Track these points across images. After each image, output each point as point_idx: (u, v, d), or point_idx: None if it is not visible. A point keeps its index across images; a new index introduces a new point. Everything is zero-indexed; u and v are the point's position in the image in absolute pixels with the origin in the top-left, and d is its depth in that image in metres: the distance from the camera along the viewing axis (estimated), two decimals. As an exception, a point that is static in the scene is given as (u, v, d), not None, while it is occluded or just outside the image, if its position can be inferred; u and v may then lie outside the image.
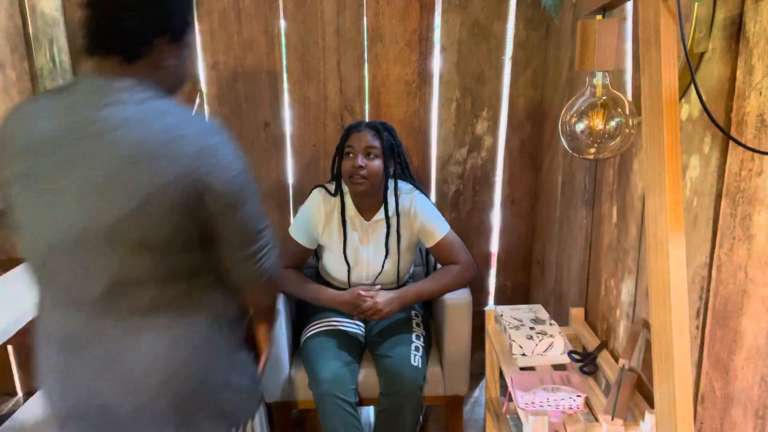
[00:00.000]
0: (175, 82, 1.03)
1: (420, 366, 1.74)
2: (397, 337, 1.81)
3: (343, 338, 1.82)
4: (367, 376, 1.78)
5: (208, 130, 0.95)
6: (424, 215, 1.87)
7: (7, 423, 1.59)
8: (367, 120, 1.94)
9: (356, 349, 1.84)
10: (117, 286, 0.93)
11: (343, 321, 1.89)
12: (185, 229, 0.93)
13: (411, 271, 2.05)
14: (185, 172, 0.89)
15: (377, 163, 1.78)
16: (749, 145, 0.95)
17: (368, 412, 2.21)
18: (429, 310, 2.09)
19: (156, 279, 0.95)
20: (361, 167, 1.75)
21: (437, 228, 1.87)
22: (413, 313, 1.93)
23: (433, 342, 1.98)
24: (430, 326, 2.00)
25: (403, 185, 1.90)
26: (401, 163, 1.90)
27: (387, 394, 1.70)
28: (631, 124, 1.14)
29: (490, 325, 1.76)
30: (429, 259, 2.15)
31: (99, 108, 0.89)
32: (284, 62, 2.14)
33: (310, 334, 1.84)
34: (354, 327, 1.91)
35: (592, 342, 1.61)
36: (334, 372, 1.68)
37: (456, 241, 1.89)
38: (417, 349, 1.78)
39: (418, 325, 1.88)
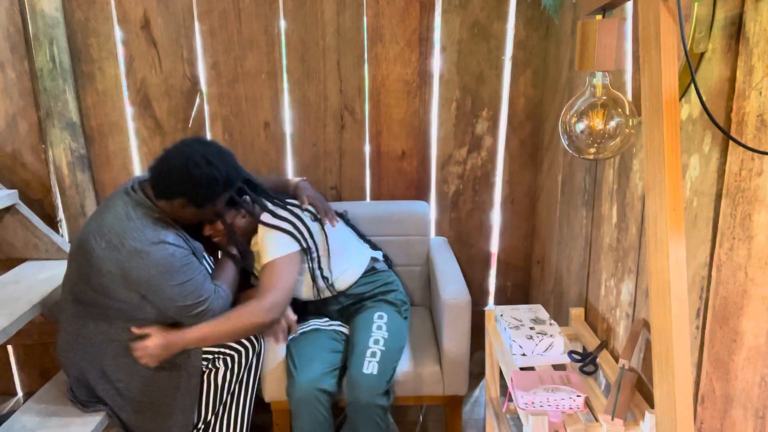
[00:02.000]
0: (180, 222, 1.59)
1: (375, 373, 1.66)
2: (355, 344, 1.76)
3: (322, 341, 1.80)
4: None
5: (145, 243, 1.48)
6: (262, 236, 1.71)
7: (7, 423, 1.59)
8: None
9: (334, 351, 1.81)
10: None
11: (326, 321, 1.89)
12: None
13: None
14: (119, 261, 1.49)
15: (219, 225, 1.68)
16: (749, 145, 0.95)
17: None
18: (429, 308, 2.08)
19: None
20: (211, 236, 1.69)
21: (263, 253, 1.69)
22: (377, 315, 1.84)
23: (403, 341, 1.91)
24: (403, 326, 1.90)
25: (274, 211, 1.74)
26: (246, 192, 1.71)
27: (348, 404, 1.66)
28: (631, 124, 1.14)
29: (490, 325, 1.76)
30: (430, 257, 2.15)
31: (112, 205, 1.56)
32: (284, 62, 2.14)
33: (290, 337, 1.85)
34: (338, 327, 1.89)
35: (592, 342, 1.61)
36: (308, 378, 1.66)
37: (272, 276, 1.64)
38: (374, 354, 1.70)
39: (379, 327, 1.80)
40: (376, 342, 1.74)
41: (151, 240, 1.47)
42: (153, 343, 1.54)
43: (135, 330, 1.55)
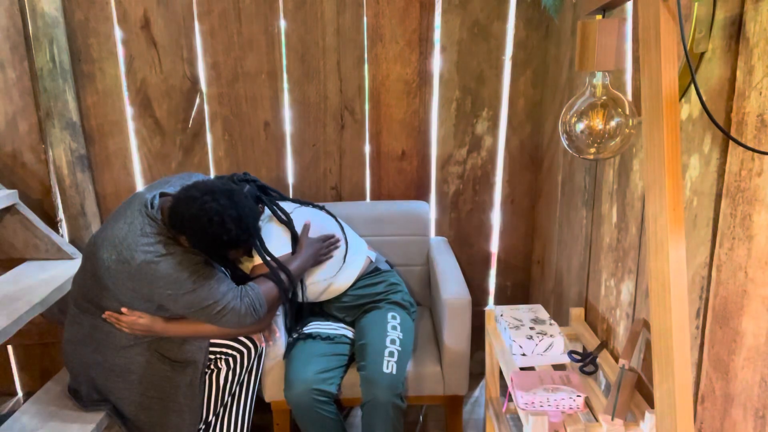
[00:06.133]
0: None
1: (394, 372, 1.67)
2: (371, 342, 1.75)
3: (320, 345, 1.80)
4: (351, 376, 1.78)
5: (154, 255, 1.51)
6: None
7: (7, 423, 1.59)
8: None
9: (337, 352, 1.80)
10: None
11: (328, 324, 1.88)
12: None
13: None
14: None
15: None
16: (749, 145, 0.95)
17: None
18: (429, 309, 2.08)
19: None
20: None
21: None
22: (390, 315, 1.84)
23: (415, 343, 1.97)
24: (413, 327, 1.91)
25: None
26: (262, 200, 1.76)
27: (364, 404, 1.67)
28: (631, 124, 1.14)
29: (490, 325, 1.76)
30: (430, 257, 2.15)
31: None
32: (284, 62, 2.14)
33: (290, 340, 1.85)
34: (341, 330, 1.89)
35: (592, 342, 1.61)
36: (301, 379, 1.67)
37: (258, 279, 1.68)
38: (392, 354, 1.71)
39: (394, 328, 1.80)
40: (393, 342, 1.74)
41: (159, 252, 1.50)
42: (141, 320, 1.59)
43: (125, 311, 1.57)
